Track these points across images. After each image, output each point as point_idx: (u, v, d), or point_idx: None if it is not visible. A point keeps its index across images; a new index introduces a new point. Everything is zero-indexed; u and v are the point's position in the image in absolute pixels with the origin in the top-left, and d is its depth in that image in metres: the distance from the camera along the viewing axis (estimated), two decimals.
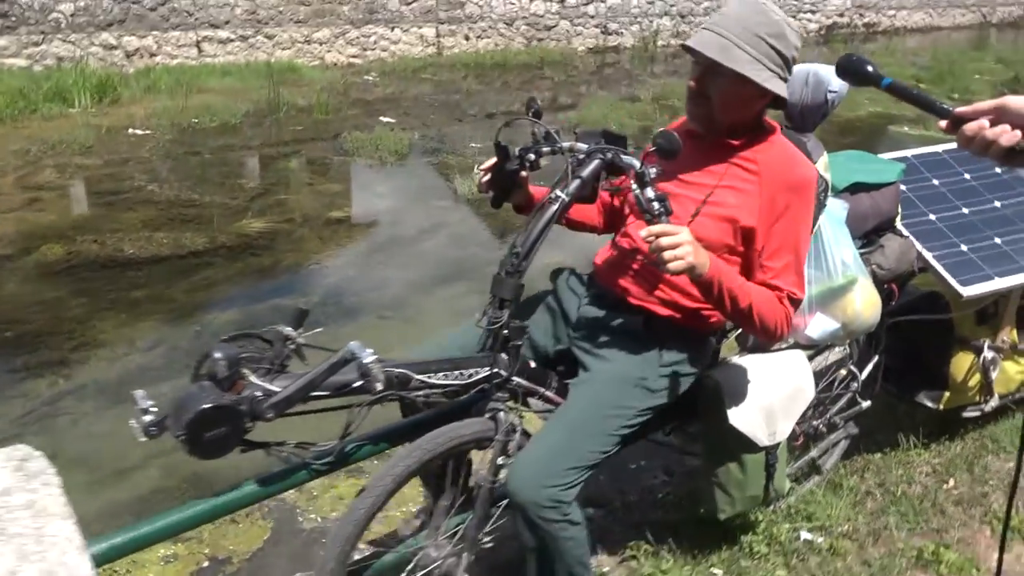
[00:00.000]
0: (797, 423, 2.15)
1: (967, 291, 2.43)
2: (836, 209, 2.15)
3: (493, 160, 1.83)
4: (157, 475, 2.80)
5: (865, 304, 2.14)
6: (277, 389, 1.43)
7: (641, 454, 2.68)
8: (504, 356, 1.71)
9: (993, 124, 1.14)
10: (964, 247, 2.53)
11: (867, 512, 2.46)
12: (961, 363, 2.63)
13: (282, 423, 1.51)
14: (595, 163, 1.73)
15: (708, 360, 2.00)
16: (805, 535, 2.32)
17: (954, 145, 2.62)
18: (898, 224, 2.45)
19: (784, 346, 2.14)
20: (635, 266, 1.86)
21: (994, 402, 2.71)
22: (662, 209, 1.59)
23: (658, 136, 1.63)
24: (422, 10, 11.32)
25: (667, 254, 1.55)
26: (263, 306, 4.21)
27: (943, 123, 1.18)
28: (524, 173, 1.84)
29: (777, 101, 1.80)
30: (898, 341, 2.59)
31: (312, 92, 8.68)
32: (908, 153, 2.78)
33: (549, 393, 1.82)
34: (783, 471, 2.16)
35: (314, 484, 2.52)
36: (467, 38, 11.81)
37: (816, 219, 2.00)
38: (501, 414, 1.73)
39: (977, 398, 2.70)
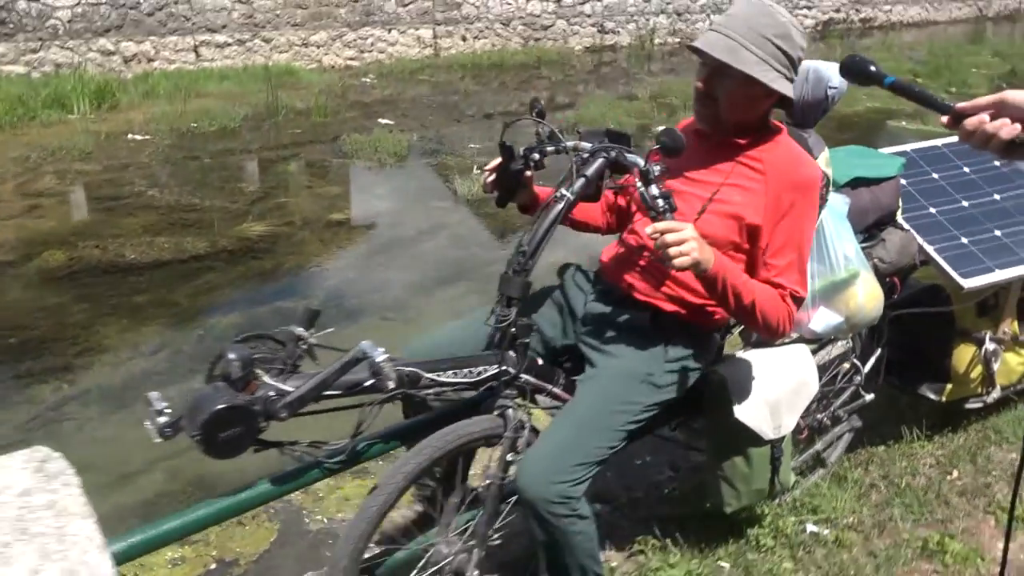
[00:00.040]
0: (801, 417, 2.17)
1: (968, 283, 2.44)
2: (837, 204, 2.16)
3: (498, 160, 1.85)
4: (162, 478, 2.81)
5: (867, 298, 2.16)
6: (290, 389, 1.45)
7: (647, 450, 2.70)
8: (512, 354, 1.73)
9: (993, 118, 1.17)
10: (964, 240, 2.55)
11: (872, 504, 2.48)
12: (963, 355, 2.65)
13: (293, 423, 1.53)
14: (599, 162, 1.74)
15: (713, 356, 2.02)
16: (811, 527, 2.34)
17: (953, 139, 2.66)
18: (899, 218, 2.47)
19: (788, 340, 2.16)
20: (642, 262, 1.88)
21: (996, 393, 2.73)
22: (666, 206, 1.61)
23: (662, 134, 1.65)
24: (419, 11, 11.33)
25: (672, 250, 1.57)
26: (265, 309, 4.23)
27: (944, 119, 1.21)
28: (528, 173, 1.85)
29: (783, 101, 1.82)
30: (900, 334, 2.60)
31: (310, 95, 8.69)
32: (908, 147, 2.80)
33: (556, 390, 1.84)
34: (788, 464, 2.17)
35: (320, 485, 2.54)
36: (464, 39, 11.83)
37: (818, 215, 2.02)
38: (510, 411, 1.75)
39: (979, 390, 2.71)
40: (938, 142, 2.85)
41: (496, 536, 1.82)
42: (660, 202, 1.61)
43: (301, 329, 1.50)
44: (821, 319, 2.13)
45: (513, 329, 1.70)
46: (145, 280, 4.50)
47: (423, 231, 5.38)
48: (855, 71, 1.30)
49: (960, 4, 18.38)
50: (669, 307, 1.86)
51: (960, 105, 1.20)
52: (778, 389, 2.01)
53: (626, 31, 13.38)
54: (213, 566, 2.35)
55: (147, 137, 7.26)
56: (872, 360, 2.55)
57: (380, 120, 8.18)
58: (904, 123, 8.14)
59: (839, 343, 2.42)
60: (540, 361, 1.85)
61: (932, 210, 2.61)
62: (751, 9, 1.76)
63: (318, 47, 10.63)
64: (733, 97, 1.77)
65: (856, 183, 2.31)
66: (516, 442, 1.74)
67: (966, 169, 2.78)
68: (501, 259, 5.13)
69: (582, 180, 1.73)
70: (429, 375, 1.62)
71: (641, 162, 1.68)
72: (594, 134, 1.80)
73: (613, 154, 1.74)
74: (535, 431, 1.79)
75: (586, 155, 1.77)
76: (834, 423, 2.54)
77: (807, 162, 1.88)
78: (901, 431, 2.80)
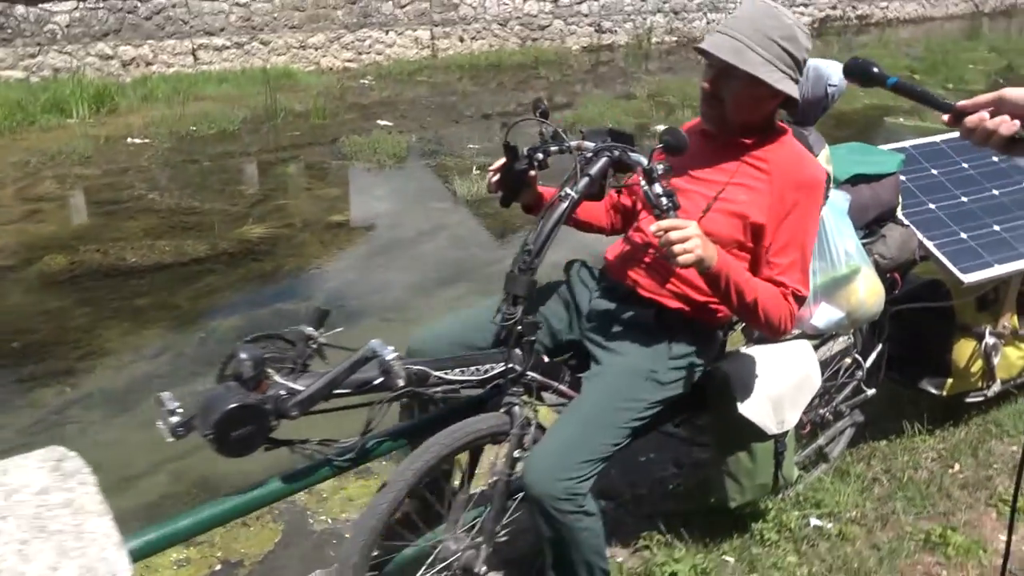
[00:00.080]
0: (804, 412, 2.18)
1: (968, 278, 2.46)
2: (838, 200, 2.18)
3: (502, 160, 1.86)
4: (166, 481, 2.82)
5: (868, 293, 2.18)
6: (301, 388, 1.47)
7: (651, 447, 2.71)
8: (518, 351, 1.75)
9: (993, 116, 1.19)
10: (964, 235, 2.57)
11: (874, 498, 2.50)
12: (963, 350, 2.67)
13: (301, 421, 1.54)
14: (603, 161, 1.76)
15: (716, 352, 2.04)
16: (814, 521, 2.36)
17: (951, 135, 2.68)
18: (899, 214, 2.48)
19: (790, 336, 2.18)
20: (647, 260, 1.90)
21: (996, 387, 2.75)
22: (670, 204, 1.63)
23: (665, 133, 1.67)
24: (416, 12, 11.34)
25: (676, 247, 1.59)
26: (266, 311, 4.24)
27: (946, 117, 1.24)
28: (533, 172, 1.87)
29: (788, 102, 1.83)
30: (901, 329, 2.62)
31: (308, 97, 8.70)
32: (907, 144, 2.82)
33: (562, 387, 1.86)
34: (791, 459, 2.19)
35: (324, 486, 2.55)
36: (461, 40, 11.84)
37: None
38: (516, 408, 1.76)
39: (980, 384, 2.73)
40: (937, 138, 2.87)
41: (503, 532, 1.83)
42: (664, 200, 1.63)
43: (311, 329, 1.52)
44: (823, 315, 2.15)
45: (519, 327, 1.72)
46: (146, 283, 4.51)
47: (423, 232, 5.40)
48: (858, 73, 1.33)
49: (956, 0, 18.42)
50: (673, 304, 1.88)
51: (960, 103, 1.23)
52: (781, 385, 2.03)
53: (623, 30, 13.39)
54: (218, 567, 2.36)
55: (146, 141, 7.27)
56: (873, 355, 2.57)
57: (379, 121, 8.19)
58: (902, 120, 8.17)
59: (840, 339, 2.44)
60: (546, 358, 1.86)
61: (931, 206, 2.63)
62: (757, 11, 1.78)
63: (316, 49, 10.64)
64: (739, 98, 1.79)
65: (856, 180, 2.33)
66: (523, 439, 1.76)
67: (965, 165, 2.80)
68: (501, 259, 5.14)
69: (586, 179, 1.75)
70: (437, 373, 1.64)
71: (644, 161, 1.69)
72: (597, 133, 1.82)
73: (616, 153, 1.76)
74: (541, 428, 1.80)
75: (589, 155, 1.79)
76: (836, 418, 2.56)
77: (812, 163, 1.90)
78: (903, 426, 2.82)
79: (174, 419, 1.42)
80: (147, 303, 4.28)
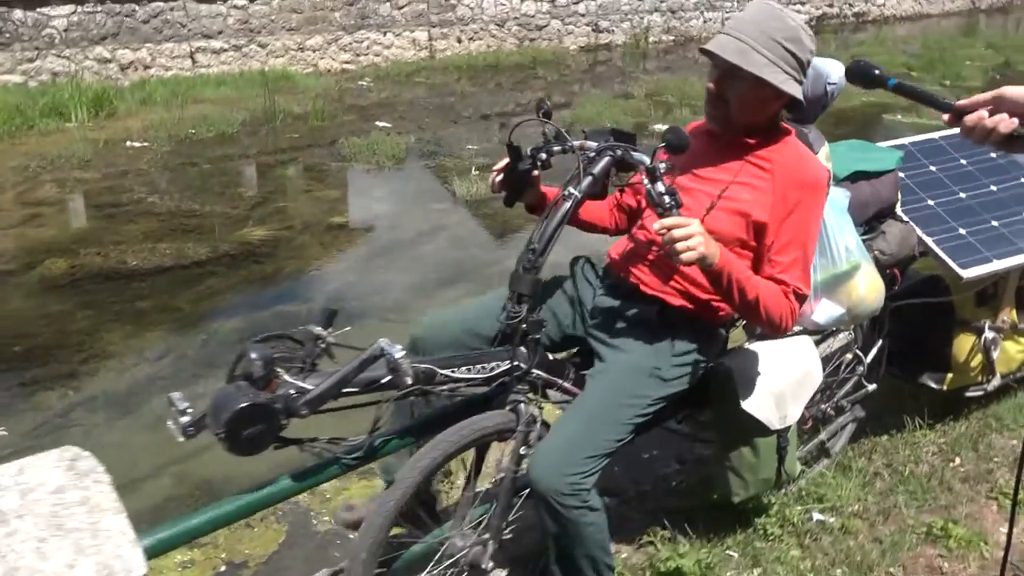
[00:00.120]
0: (806, 407, 2.20)
1: (967, 273, 2.48)
2: (838, 197, 2.20)
3: (505, 160, 1.88)
4: (169, 483, 2.83)
5: (868, 289, 2.20)
6: (310, 387, 1.48)
7: (654, 443, 2.73)
8: (523, 350, 1.76)
9: (991, 114, 1.22)
10: (963, 231, 2.58)
11: (876, 492, 2.52)
12: (963, 344, 2.68)
13: (307, 420, 1.55)
14: (605, 160, 1.78)
15: (718, 349, 2.06)
16: (817, 516, 2.37)
17: (949, 132, 2.69)
18: (898, 210, 2.50)
19: (791, 332, 2.19)
20: (650, 257, 1.92)
21: (996, 381, 2.77)
22: (672, 202, 1.65)
23: (667, 132, 1.69)
24: (413, 14, 11.35)
25: (679, 245, 1.61)
26: (267, 313, 4.25)
27: (946, 116, 1.27)
28: (536, 172, 1.89)
29: (792, 103, 1.85)
30: (901, 325, 2.64)
31: (307, 99, 8.71)
32: (905, 141, 2.84)
33: (567, 384, 1.87)
34: (794, 454, 2.20)
35: (327, 486, 2.57)
36: (459, 40, 11.85)
37: None
38: (522, 406, 1.78)
39: (980, 378, 2.75)
40: (935, 135, 2.89)
41: (509, 529, 1.85)
42: (666, 199, 1.65)
43: (319, 328, 1.53)
44: (824, 311, 2.17)
45: (524, 325, 1.74)
46: (147, 286, 4.52)
47: (422, 233, 5.41)
48: (860, 76, 1.37)
49: None
50: (676, 301, 1.89)
51: (960, 103, 1.26)
52: (783, 380, 2.05)
53: (620, 30, 13.41)
54: (223, 568, 2.37)
55: (145, 144, 7.27)
56: (874, 351, 2.59)
57: (377, 123, 8.20)
58: (899, 117, 8.20)
59: (841, 334, 2.46)
60: (551, 355, 1.88)
61: (930, 202, 2.65)
62: (762, 13, 1.80)
63: (314, 51, 10.64)
64: (744, 99, 1.81)
65: (856, 177, 2.35)
66: (528, 436, 1.77)
67: (963, 161, 2.81)
68: (500, 260, 5.14)
69: (589, 178, 1.76)
70: (443, 371, 1.65)
71: (647, 160, 1.71)
72: (599, 133, 1.84)
73: (619, 153, 1.78)
74: (546, 425, 1.82)
75: (592, 154, 1.81)
76: (838, 413, 2.58)
77: (815, 163, 1.92)
78: (903, 420, 2.83)
79: (185, 419, 1.44)
80: (148, 306, 4.29)
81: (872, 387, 2.61)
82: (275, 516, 2.55)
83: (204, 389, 3.28)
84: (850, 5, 16.42)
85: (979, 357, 2.70)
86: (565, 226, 1.79)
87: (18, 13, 8.56)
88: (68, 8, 8.83)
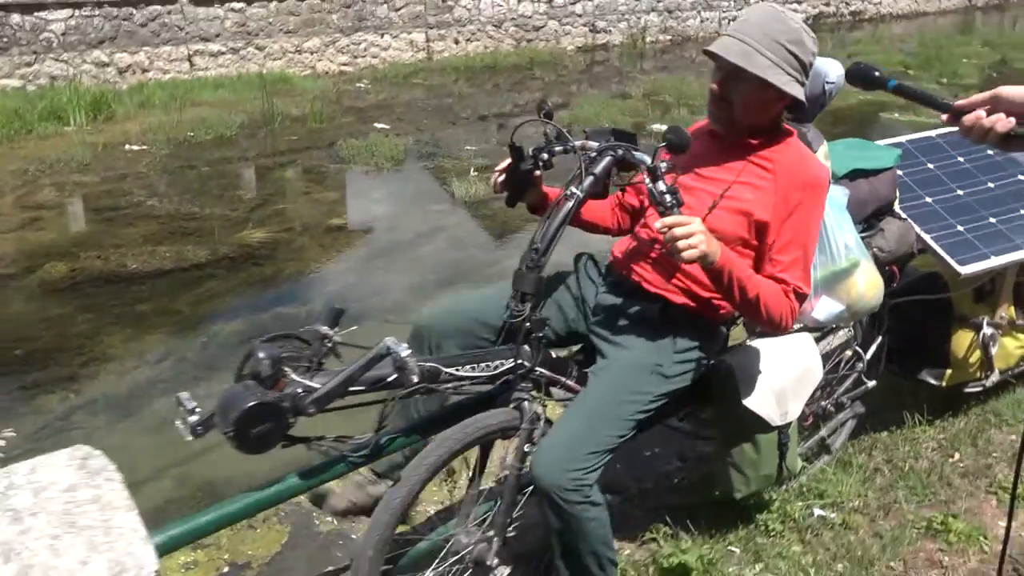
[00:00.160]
0: (806, 404, 2.22)
1: (965, 270, 2.50)
2: (837, 195, 2.21)
3: (508, 161, 1.90)
4: (171, 485, 2.84)
5: (868, 286, 2.21)
6: (317, 385, 1.50)
7: (655, 442, 2.75)
8: (527, 348, 1.78)
9: (989, 113, 1.24)
10: (960, 227, 2.60)
11: (876, 487, 2.53)
12: (961, 341, 2.70)
13: (313, 419, 1.56)
14: (607, 160, 1.80)
15: (719, 347, 2.07)
16: (818, 511, 2.39)
17: (947, 130, 2.71)
18: (896, 208, 2.52)
19: (792, 330, 2.21)
20: (653, 255, 1.93)
21: (995, 377, 2.78)
22: (674, 201, 1.67)
23: (668, 132, 1.70)
24: (411, 15, 11.37)
25: (681, 243, 1.62)
26: (267, 315, 4.25)
27: (944, 116, 1.29)
28: (538, 172, 1.90)
29: (794, 104, 1.87)
30: (900, 321, 2.65)
31: (305, 101, 8.73)
32: (903, 139, 2.86)
33: (570, 382, 1.89)
34: (795, 450, 2.22)
35: (330, 487, 2.57)
36: (456, 42, 11.87)
37: None
38: (525, 404, 1.80)
39: (978, 374, 2.76)
40: (932, 133, 2.91)
41: (513, 527, 1.86)
42: (668, 197, 1.66)
43: (326, 328, 1.55)
44: (823, 308, 2.18)
45: (527, 324, 1.75)
46: (147, 289, 4.53)
47: (421, 234, 5.42)
48: (860, 78, 1.40)
49: None
50: (678, 299, 1.91)
51: (958, 103, 1.28)
52: (784, 377, 2.06)
53: (617, 30, 13.43)
54: (226, 569, 2.37)
55: (144, 147, 7.28)
56: (873, 347, 2.60)
57: (376, 125, 8.21)
58: (896, 115, 8.23)
59: (841, 331, 2.47)
60: (554, 352, 1.89)
61: (928, 199, 2.66)
62: (765, 15, 1.82)
63: (311, 53, 10.66)
64: (747, 100, 1.82)
65: (855, 175, 2.37)
66: (532, 434, 1.79)
67: (960, 159, 2.83)
68: (499, 260, 5.14)
69: (591, 178, 1.78)
70: (448, 370, 1.67)
71: (648, 159, 1.73)
72: (600, 133, 1.86)
73: (620, 152, 1.79)
74: (550, 423, 1.83)
75: (594, 154, 1.82)
76: (838, 410, 2.59)
77: (816, 164, 1.94)
78: (903, 416, 2.85)
79: (193, 418, 1.45)
80: (148, 309, 4.29)
81: (872, 384, 2.62)
82: (277, 517, 2.55)
83: (205, 391, 3.28)
84: (847, 3, 16.47)
85: (977, 353, 2.71)
86: (567, 226, 1.80)
87: (16, 17, 8.57)
88: (66, 12, 8.85)
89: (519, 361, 1.77)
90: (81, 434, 3.22)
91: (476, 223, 5.63)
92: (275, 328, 3.91)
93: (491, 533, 1.80)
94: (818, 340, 2.32)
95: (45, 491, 1.10)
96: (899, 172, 2.55)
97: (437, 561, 1.76)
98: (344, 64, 10.94)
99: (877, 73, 1.37)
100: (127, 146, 7.32)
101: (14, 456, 2.84)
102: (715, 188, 1.88)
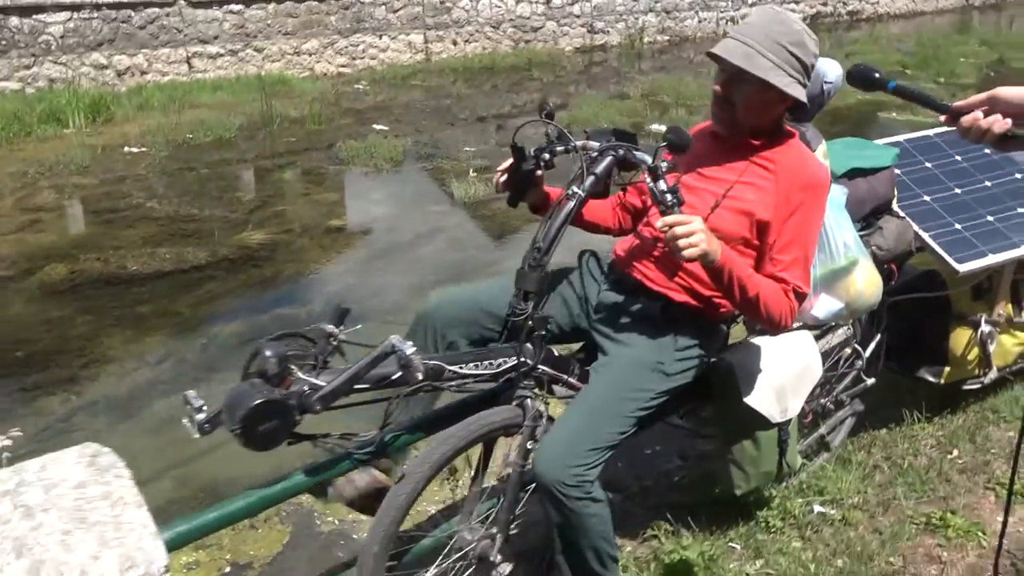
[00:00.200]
0: (806, 401, 2.23)
1: (963, 267, 2.51)
2: (836, 194, 2.23)
3: (509, 161, 1.91)
4: (171, 486, 2.84)
5: (867, 284, 2.23)
6: (323, 383, 1.51)
7: (656, 440, 2.76)
8: (529, 346, 1.79)
9: (987, 114, 1.26)
10: (958, 226, 2.62)
11: (876, 484, 2.55)
12: (959, 338, 2.72)
13: (317, 417, 1.58)
14: (608, 160, 1.81)
15: (719, 345, 2.09)
16: (818, 508, 2.41)
17: (944, 129, 2.72)
18: (895, 206, 2.53)
19: (792, 327, 2.22)
20: (655, 254, 1.95)
21: (993, 374, 2.80)
22: (675, 200, 1.68)
23: (669, 132, 1.72)
24: (409, 17, 11.39)
25: (681, 242, 1.64)
26: (267, 316, 4.26)
27: (943, 117, 1.31)
28: (539, 172, 1.92)
29: (796, 106, 1.89)
30: (899, 319, 2.67)
31: (304, 103, 8.73)
32: (901, 138, 2.88)
33: (572, 380, 1.90)
34: (794, 447, 2.23)
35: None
36: (455, 43, 11.88)
37: None
38: (528, 401, 1.81)
39: (976, 371, 2.78)
40: (930, 132, 2.93)
41: (516, 523, 1.88)
42: (669, 196, 1.68)
43: (331, 326, 1.56)
44: (823, 306, 2.20)
45: (530, 322, 1.77)
46: (147, 291, 4.53)
47: (421, 235, 5.43)
48: (860, 79, 1.42)
49: None
50: (680, 297, 1.92)
51: (956, 104, 1.30)
52: (783, 374, 2.08)
53: (615, 30, 13.46)
54: (227, 569, 2.38)
55: (143, 149, 7.29)
56: (872, 345, 2.62)
57: (374, 126, 8.22)
58: (894, 114, 8.25)
59: (840, 329, 2.49)
60: (556, 349, 1.91)
61: (926, 198, 2.68)
62: (767, 18, 1.84)
63: (310, 55, 10.67)
64: (749, 101, 1.84)
65: (853, 174, 2.38)
66: (535, 431, 1.80)
67: (958, 158, 2.85)
68: (499, 261, 5.14)
69: (592, 178, 1.80)
70: (452, 368, 1.68)
71: (649, 159, 1.74)
72: (602, 133, 1.87)
73: (621, 152, 1.81)
74: (552, 420, 1.85)
75: (595, 154, 1.84)
76: (837, 407, 2.61)
77: (817, 165, 1.96)
78: (902, 414, 2.87)
79: (200, 416, 1.47)
80: (148, 310, 4.30)
81: (871, 381, 2.64)
82: (279, 517, 2.57)
83: (205, 392, 3.28)
84: (844, 3, 16.50)
85: (975, 351, 2.73)
86: (569, 225, 1.82)
87: (14, 20, 8.57)
88: (64, 15, 8.85)
89: (522, 359, 1.79)
90: (82, 435, 3.22)
91: (475, 224, 5.64)
92: (274, 329, 3.89)
93: (494, 530, 1.82)
94: (818, 338, 2.33)
95: (56, 488, 1.11)
96: (897, 171, 2.57)
97: (441, 558, 1.77)
98: (343, 66, 10.95)
99: (877, 74, 1.39)
100: (126, 148, 7.33)
101: (20, 456, 2.85)
102: (717, 188, 1.90)
